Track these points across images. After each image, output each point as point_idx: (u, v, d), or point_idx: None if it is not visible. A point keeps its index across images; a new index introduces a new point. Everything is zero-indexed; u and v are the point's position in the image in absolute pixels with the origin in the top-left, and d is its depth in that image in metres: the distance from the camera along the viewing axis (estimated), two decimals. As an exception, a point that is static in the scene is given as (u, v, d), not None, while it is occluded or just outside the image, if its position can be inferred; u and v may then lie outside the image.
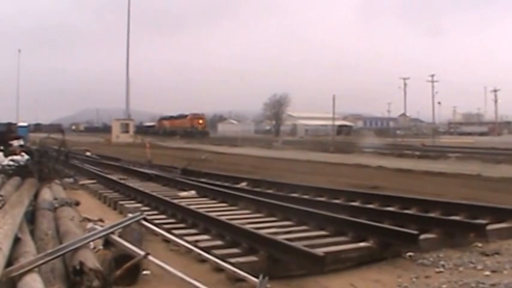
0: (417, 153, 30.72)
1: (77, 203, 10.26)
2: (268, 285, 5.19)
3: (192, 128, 77.96)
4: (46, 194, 9.96)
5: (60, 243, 5.93)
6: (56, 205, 8.67)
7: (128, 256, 5.63)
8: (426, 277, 5.83)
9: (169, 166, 19.48)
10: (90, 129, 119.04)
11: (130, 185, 13.15)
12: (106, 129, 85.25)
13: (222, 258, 6.09)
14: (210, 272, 6.07)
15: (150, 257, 5.63)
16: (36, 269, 4.80)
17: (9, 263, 5.01)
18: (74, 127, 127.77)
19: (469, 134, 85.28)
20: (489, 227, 7.61)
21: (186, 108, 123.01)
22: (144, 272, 5.76)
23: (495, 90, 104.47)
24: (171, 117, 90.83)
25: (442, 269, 6.13)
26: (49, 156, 14.73)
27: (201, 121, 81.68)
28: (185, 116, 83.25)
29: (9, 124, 36.71)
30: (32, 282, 4.51)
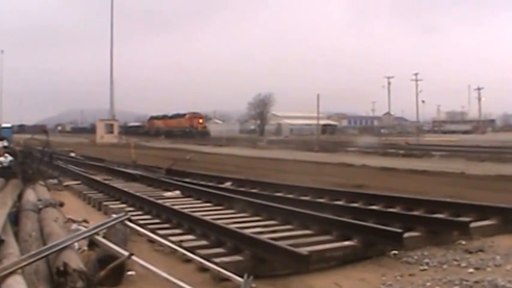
0: (401, 151, 30.86)
1: (61, 204, 10.16)
2: (253, 285, 5.18)
3: (191, 128, 73.77)
4: (30, 195, 9.86)
5: (44, 244, 5.88)
6: (40, 206, 8.58)
7: (112, 257, 5.61)
8: (410, 275, 5.87)
9: (153, 166, 19.45)
10: (77, 130, 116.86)
11: (115, 185, 13.08)
12: (93, 129, 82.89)
13: (207, 258, 6.09)
14: (195, 272, 6.06)
15: (135, 258, 5.61)
16: (20, 271, 4.76)
17: (-8, 265, 4.97)
18: (60, 128, 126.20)
19: (453, 132, 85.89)
20: (473, 225, 7.68)
21: (171, 108, 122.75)
22: (129, 273, 5.75)
23: (479, 89, 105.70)
24: (164, 117, 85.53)
25: (426, 267, 6.16)
26: (33, 157, 14.59)
27: (201, 120, 77.47)
28: (183, 115, 78.54)
29: (-7, 125, 36.34)
30: (15, 284, 4.47)
